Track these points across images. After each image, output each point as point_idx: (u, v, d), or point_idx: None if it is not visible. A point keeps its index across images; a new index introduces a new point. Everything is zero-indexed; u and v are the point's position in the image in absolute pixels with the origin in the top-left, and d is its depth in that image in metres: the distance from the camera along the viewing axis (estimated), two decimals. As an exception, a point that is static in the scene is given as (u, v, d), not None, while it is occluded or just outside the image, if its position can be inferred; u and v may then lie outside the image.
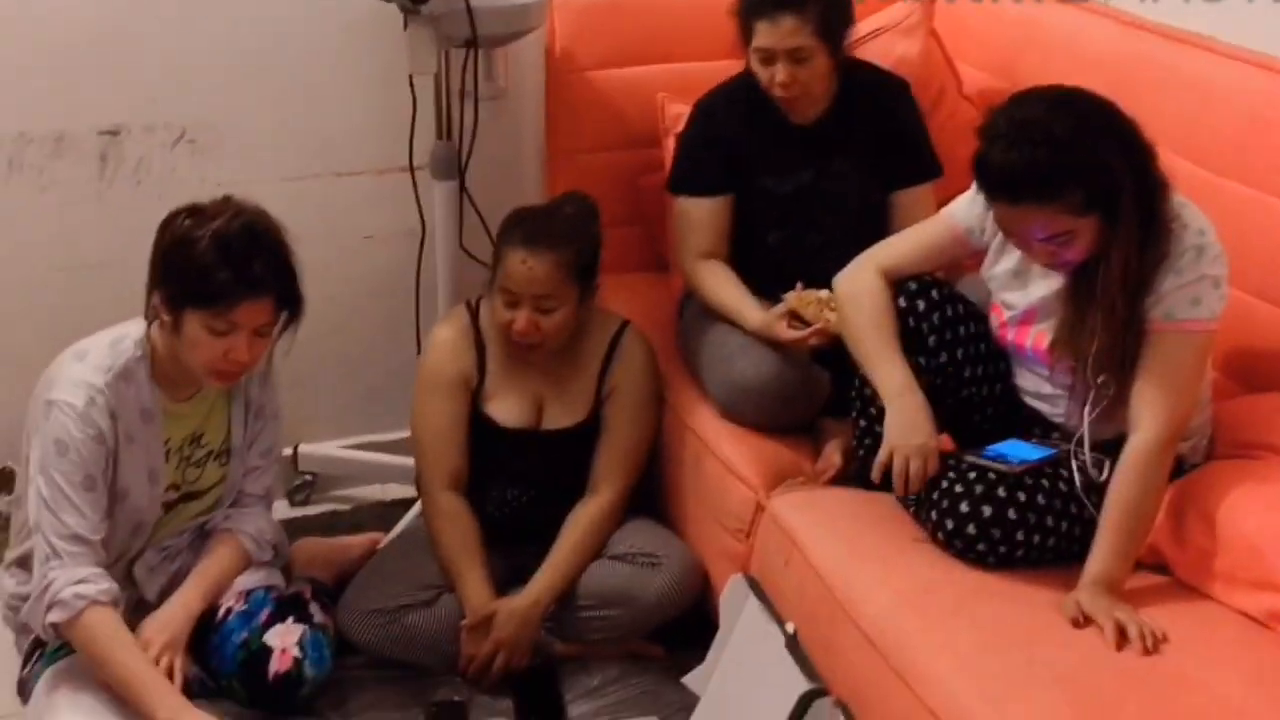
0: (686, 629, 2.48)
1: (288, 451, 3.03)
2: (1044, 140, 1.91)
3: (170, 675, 2.14)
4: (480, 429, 2.53)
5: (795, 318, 2.42)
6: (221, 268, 2.08)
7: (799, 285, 2.42)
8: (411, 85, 2.77)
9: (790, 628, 2.14)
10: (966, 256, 2.29)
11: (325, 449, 3.07)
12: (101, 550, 2.16)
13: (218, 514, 2.38)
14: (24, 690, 2.24)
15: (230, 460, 2.35)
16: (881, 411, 2.19)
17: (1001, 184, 1.96)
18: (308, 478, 3.07)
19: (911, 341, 2.20)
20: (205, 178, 2.78)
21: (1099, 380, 2.03)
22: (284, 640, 2.29)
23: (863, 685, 1.98)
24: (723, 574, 2.39)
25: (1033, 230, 1.97)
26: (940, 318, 2.21)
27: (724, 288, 2.55)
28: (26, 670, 2.25)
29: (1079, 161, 1.91)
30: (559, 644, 2.50)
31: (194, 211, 2.14)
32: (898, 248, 2.29)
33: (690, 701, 2.34)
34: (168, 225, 2.15)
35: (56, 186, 2.72)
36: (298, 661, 2.28)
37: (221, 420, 2.33)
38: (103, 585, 2.12)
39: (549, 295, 2.40)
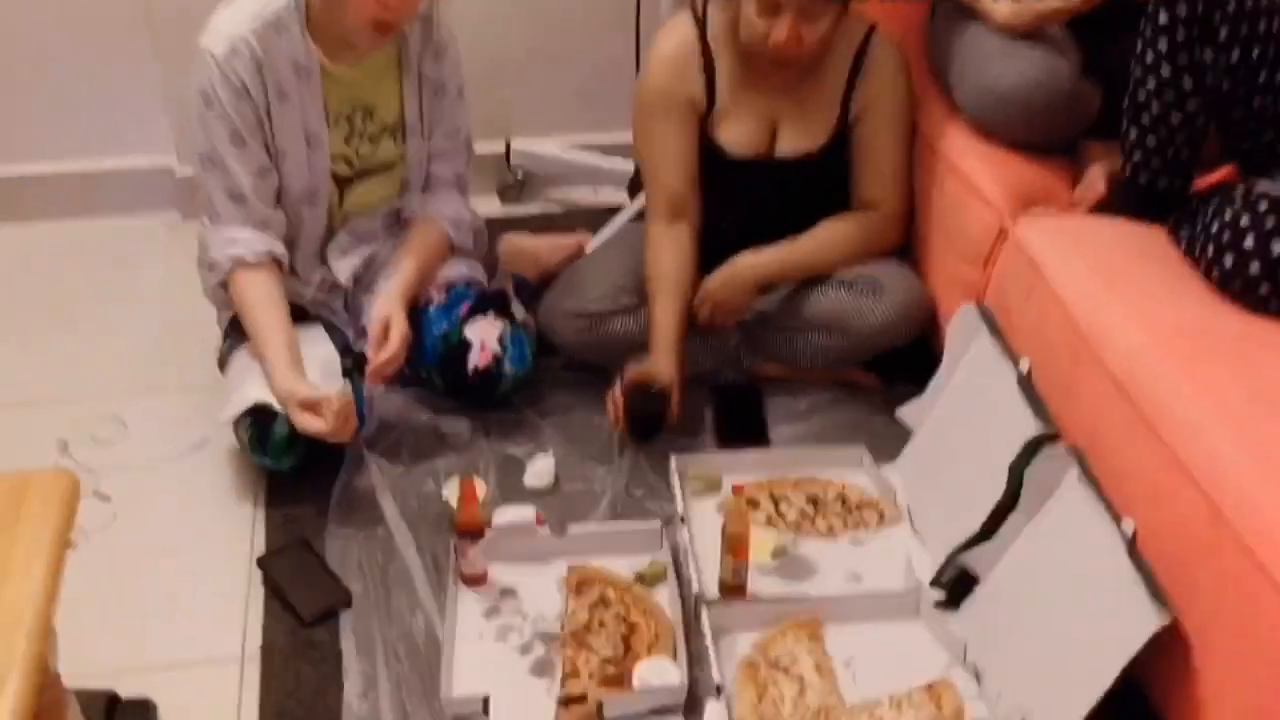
0: (909, 361, 2.29)
1: (499, 148, 2.91)
2: None
3: (404, 342, 2.12)
4: (708, 159, 2.28)
5: None
6: None
7: None
8: None
9: (1025, 364, 1.92)
10: None
11: (537, 146, 2.93)
12: (261, 208, 2.09)
13: (411, 200, 2.28)
14: (223, 364, 2.24)
15: (407, 138, 2.22)
16: (1157, 119, 1.91)
17: None
18: (519, 175, 2.94)
19: (1200, 31, 1.87)
20: None
21: None
22: (485, 335, 2.21)
23: (1103, 432, 1.76)
24: (954, 305, 2.17)
25: None
26: (1237, 6, 1.86)
27: None
28: (226, 345, 2.24)
29: None
30: (768, 365, 2.35)
31: None
32: None
33: (902, 436, 2.18)
34: None
35: None
36: (497, 358, 2.20)
37: (393, 93, 2.18)
38: (256, 246, 2.08)
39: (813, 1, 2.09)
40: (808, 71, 2.23)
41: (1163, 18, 1.92)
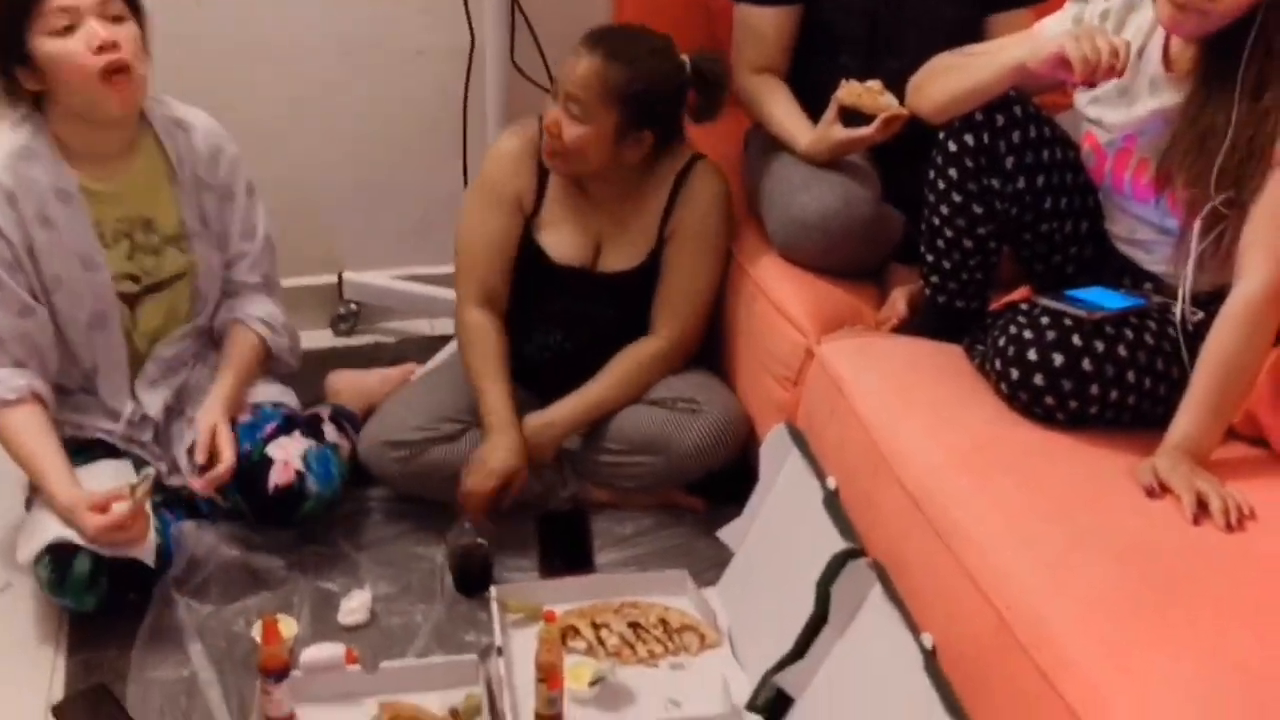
0: (731, 482, 2.30)
1: (332, 279, 2.91)
2: None
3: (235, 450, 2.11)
4: (531, 262, 2.33)
5: (850, 117, 2.19)
6: None
7: (843, 81, 2.18)
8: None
9: (831, 483, 1.95)
10: (1051, 83, 2.00)
11: (370, 278, 2.93)
12: (17, 349, 2.06)
13: (220, 312, 2.26)
14: (29, 503, 2.16)
15: (191, 245, 2.19)
16: (950, 243, 1.98)
17: None
18: (352, 307, 2.94)
19: (987, 161, 1.96)
20: (245, -19, 2.61)
21: (1220, 199, 1.75)
22: (286, 452, 2.17)
23: (902, 547, 1.79)
24: (769, 425, 2.19)
25: None
26: (1021, 137, 1.95)
27: (777, 105, 2.33)
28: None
29: None
30: (594, 489, 2.35)
31: None
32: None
33: (725, 557, 2.18)
34: None
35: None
36: (300, 475, 2.16)
37: (169, 201, 2.16)
38: (14, 382, 2.03)
39: (578, 99, 2.18)
40: (630, 192, 2.31)
41: (951, 147, 2.00)
